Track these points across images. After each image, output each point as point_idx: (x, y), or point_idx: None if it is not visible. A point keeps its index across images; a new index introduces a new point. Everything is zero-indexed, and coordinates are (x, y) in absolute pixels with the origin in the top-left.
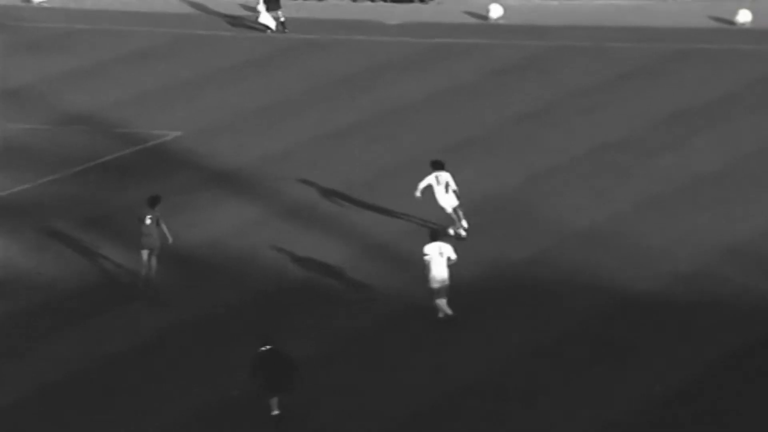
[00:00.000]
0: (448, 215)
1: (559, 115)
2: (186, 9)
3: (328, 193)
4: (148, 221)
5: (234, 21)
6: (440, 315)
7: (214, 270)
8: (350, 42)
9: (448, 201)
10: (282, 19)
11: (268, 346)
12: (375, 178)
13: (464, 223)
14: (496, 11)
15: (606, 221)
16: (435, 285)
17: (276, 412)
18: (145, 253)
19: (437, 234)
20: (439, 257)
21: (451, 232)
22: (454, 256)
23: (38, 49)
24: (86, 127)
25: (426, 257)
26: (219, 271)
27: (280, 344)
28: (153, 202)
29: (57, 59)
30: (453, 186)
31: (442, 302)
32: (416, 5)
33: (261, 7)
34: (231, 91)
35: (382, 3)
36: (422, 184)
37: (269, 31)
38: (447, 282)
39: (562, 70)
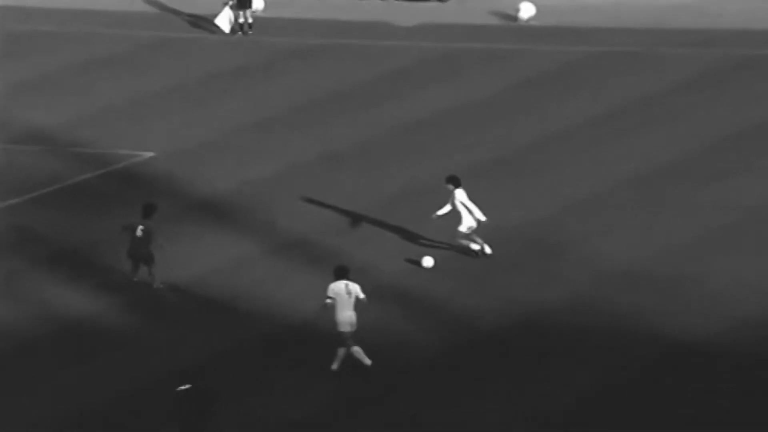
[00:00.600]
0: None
1: (600, 134)
2: (160, 8)
3: (326, 225)
4: (139, 233)
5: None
6: (334, 366)
7: (193, 316)
8: (354, 47)
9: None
10: (250, 21)
11: (187, 386)
12: (380, 208)
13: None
14: (527, 11)
15: (652, 259)
16: (344, 329)
17: None
18: (131, 263)
19: (343, 271)
20: (346, 297)
21: (477, 247)
22: (362, 296)
23: None
24: (42, 147)
25: (328, 300)
26: (200, 316)
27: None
28: (147, 211)
29: (7, 66)
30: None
31: (357, 349)
32: (433, 4)
33: (226, 5)
34: (213, 105)
35: (393, 1)
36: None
37: (228, 33)
38: (355, 326)
39: (604, 80)
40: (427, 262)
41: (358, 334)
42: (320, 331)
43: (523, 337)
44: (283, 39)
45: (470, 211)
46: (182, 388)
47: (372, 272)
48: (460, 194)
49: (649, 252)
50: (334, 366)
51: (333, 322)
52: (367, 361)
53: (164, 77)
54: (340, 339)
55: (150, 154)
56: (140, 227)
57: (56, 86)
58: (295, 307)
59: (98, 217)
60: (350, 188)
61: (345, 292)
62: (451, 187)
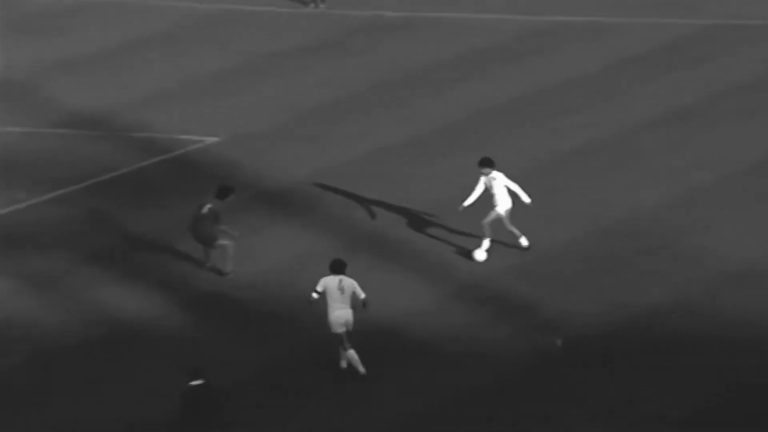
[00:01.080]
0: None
1: (713, 117)
2: None
3: (403, 217)
4: (205, 211)
5: None
6: (342, 365)
7: (260, 316)
8: (440, 21)
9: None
10: None
11: (198, 381)
12: (461, 199)
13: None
14: None
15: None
16: (337, 330)
17: None
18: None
19: (339, 265)
20: (338, 294)
21: (525, 242)
22: (362, 294)
23: (33, 32)
24: (96, 132)
25: (314, 295)
26: (266, 316)
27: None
28: (221, 193)
29: (58, 44)
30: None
31: (351, 353)
32: None
33: None
34: (283, 85)
35: None
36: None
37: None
38: (350, 327)
39: (721, 57)
40: (480, 255)
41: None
42: (390, 338)
43: (625, 342)
44: (361, 12)
45: (514, 194)
46: (194, 383)
47: (455, 272)
48: (501, 176)
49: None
50: (343, 364)
51: (326, 323)
52: (362, 370)
53: (229, 55)
54: (337, 340)
55: (213, 139)
56: (207, 206)
57: (110, 65)
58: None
59: (155, 208)
60: (434, 176)
61: (337, 287)
62: (487, 170)
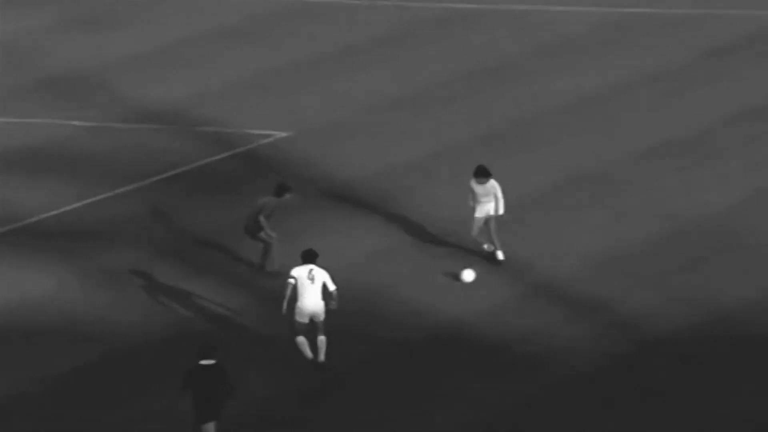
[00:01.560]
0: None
1: None
2: None
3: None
4: (258, 204)
5: None
6: (308, 355)
7: (331, 315)
8: (516, 13)
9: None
10: None
11: (208, 361)
12: (542, 196)
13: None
14: None
15: None
16: (301, 319)
17: None
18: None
19: (310, 255)
20: (308, 283)
21: (490, 249)
22: (332, 287)
23: (98, 25)
24: (165, 127)
25: (289, 280)
26: (338, 316)
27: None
28: (278, 190)
29: (123, 37)
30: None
31: (321, 339)
32: None
33: None
34: (354, 78)
35: None
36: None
37: None
38: (321, 317)
39: None
40: (468, 276)
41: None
42: (460, 334)
43: (707, 342)
44: (430, 4)
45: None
46: (204, 362)
47: (530, 271)
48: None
49: None
50: (308, 354)
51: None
52: (321, 357)
53: (298, 48)
54: (297, 327)
55: (283, 134)
56: (262, 200)
57: (180, 59)
58: (432, 308)
59: (225, 203)
60: (506, 173)
61: (307, 277)
62: (484, 180)
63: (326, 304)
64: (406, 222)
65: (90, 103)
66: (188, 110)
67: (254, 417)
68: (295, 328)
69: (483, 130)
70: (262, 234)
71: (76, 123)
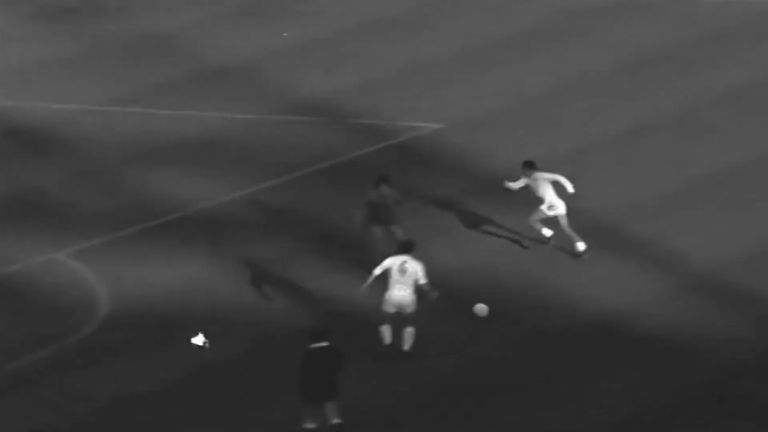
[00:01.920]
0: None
1: None
2: None
3: (627, 207)
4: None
5: None
6: (386, 341)
7: (486, 303)
8: (663, 3)
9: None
10: None
11: (322, 343)
12: (701, 188)
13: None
14: None
15: None
16: (387, 309)
17: (312, 425)
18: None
19: (405, 246)
20: (398, 275)
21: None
22: (424, 280)
23: (260, 15)
24: (316, 118)
25: (375, 270)
26: (489, 302)
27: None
28: (376, 182)
29: (275, 30)
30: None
31: (409, 330)
32: None
33: None
34: (510, 70)
35: None
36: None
37: None
38: (408, 310)
39: None
40: (481, 310)
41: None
42: (618, 325)
43: None
44: None
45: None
46: (316, 345)
47: (684, 264)
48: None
49: None
50: (387, 341)
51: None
52: (406, 347)
53: (453, 40)
54: (385, 317)
55: (435, 125)
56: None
57: (330, 51)
58: (587, 300)
59: None
60: (662, 166)
61: (398, 269)
62: (530, 172)
63: (422, 297)
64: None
65: (245, 95)
66: (342, 102)
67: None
68: (382, 316)
69: (640, 121)
70: (393, 227)
71: (231, 116)
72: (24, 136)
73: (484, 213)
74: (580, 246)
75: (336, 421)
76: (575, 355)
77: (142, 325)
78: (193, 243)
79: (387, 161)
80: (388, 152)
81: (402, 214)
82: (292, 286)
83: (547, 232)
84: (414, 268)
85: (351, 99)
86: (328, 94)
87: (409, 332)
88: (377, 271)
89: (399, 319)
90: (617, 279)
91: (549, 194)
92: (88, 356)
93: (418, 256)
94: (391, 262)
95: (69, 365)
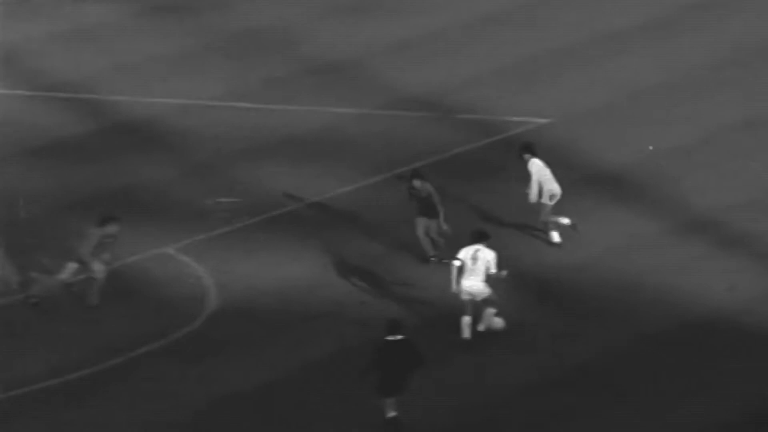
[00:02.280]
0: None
1: None
2: None
3: (736, 203)
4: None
5: None
6: (464, 335)
7: (588, 304)
8: None
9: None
10: None
11: (397, 336)
12: None
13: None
14: None
15: None
16: (463, 297)
17: (393, 414)
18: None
19: (478, 235)
20: (470, 263)
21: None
22: (494, 270)
23: (369, 9)
24: (423, 113)
25: (455, 261)
26: (596, 304)
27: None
28: (411, 176)
29: (386, 24)
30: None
31: (465, 320)
32: None
33: None
34: (618, 63)
35: None
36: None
37: None
38: (480, 297)
39: None
40: (497, 323)
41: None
42: (724, 331)
43: None
44: None
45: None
46: (392, 338)
47: None
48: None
49: None
50: (465, 335)
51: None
52: (481, 327)
53: (558, 34)
54: (463, 307)
55: (542, 120)
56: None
57: (442, 45)
58: (693, 299)
59: (483, 193)
60: None
61: (470, 257)
62: (527, 156)
63: (493, 280)
64: (666, 209)
65: (354, 90)
66: (448, 97)
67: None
68: (461, 307)
69: (745, 117)
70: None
71: (339, 110)
72: (135, 130)
73: (590, 207)
74: (556, 237)
75: (392, 414)
76: (682, 356)
77: (248, 320)
78: (301, 238)
79: (493, 156)
80: (495, 147)
81: (442, 207)
82: (396, 283)
83: (564, 220)
84: (485, 257)
85: (458, 94)
86: (435, 88)
87: (488, 313)
88: (456, 263)
89: (477, 307)
90: (728, 276)
91: (549, 182)
92: (196, 350)
93: (523, 251)
94: (465, 253)
95: (178, 358)
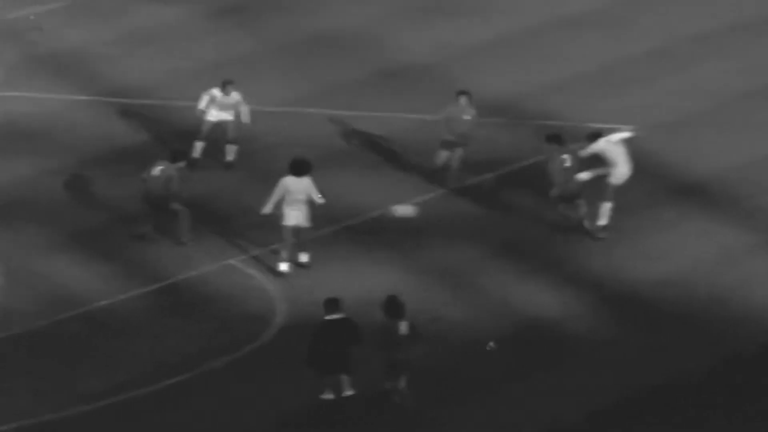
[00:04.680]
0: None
1: None
2: None
3: None
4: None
5: None
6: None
7: (678, 317)
8: None
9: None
10: None
11: (335, 315)
12: None
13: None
14: None
15: None
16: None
17: (329, 396)
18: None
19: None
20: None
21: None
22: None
23: (442, 12)
24: (502, 119)
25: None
26: (680, 320)
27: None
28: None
29: (465, 26)
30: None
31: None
32: None
33: None
34: (704, 68)
35: None
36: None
37: None
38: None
39: None
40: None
41: None
42: None
43: None
44: None
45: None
46: (331, 317)
47: None
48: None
49: None
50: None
51: None
52: None
53: (645, 38)
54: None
55: (628, 127)
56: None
57: (516, 49)
58: None
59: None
60: None
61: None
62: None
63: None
64: (758, 221)
65: (428, 95)
66: (528, 103)
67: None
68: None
69: None
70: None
71: (412, 116)
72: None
73: (682, 217)
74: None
75: (348, 392)
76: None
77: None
78: (374, 249)
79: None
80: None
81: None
82: (474, 293)
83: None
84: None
85: (538, 99)
86: (514, 94)
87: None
88: None
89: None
90: None
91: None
92: (263, 366)
93: (605, 264)
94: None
95: (244, 374)
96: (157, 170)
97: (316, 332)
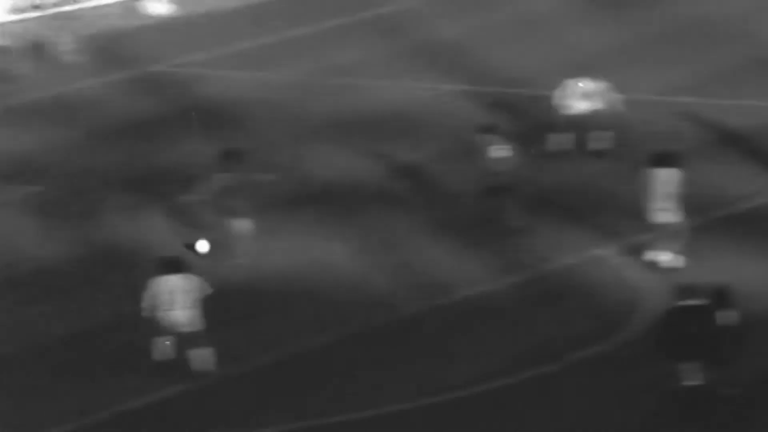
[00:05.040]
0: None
1: None
2: None
3: None
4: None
5: None
6: None
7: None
8: None
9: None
10: None
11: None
12: None
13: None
14: None
15: None
16: None
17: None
18: None
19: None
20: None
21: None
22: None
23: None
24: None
25: None
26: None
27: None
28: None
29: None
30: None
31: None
32: None
33: None
34: None
35: None
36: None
37: None
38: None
39: None
40: (202, 246)
41: None
42: None
43: None
44: None
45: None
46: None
47: None
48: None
49: None
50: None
51: None
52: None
53: None
54: None
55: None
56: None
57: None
58: None
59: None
60: None
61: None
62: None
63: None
64: None
65: (632, 78)
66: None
67: None
68: None
69: None
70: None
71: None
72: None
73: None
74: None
75: (696, 382)
76: None
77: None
78: (745, 241)
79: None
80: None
81: None
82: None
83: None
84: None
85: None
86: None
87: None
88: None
89: None
90: None
91: None
92: (629, 357)
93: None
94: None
95: (612, 364)
96: (500, 152)
97: (669, 318)
